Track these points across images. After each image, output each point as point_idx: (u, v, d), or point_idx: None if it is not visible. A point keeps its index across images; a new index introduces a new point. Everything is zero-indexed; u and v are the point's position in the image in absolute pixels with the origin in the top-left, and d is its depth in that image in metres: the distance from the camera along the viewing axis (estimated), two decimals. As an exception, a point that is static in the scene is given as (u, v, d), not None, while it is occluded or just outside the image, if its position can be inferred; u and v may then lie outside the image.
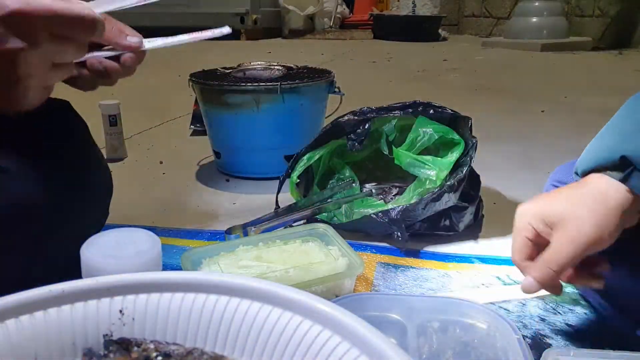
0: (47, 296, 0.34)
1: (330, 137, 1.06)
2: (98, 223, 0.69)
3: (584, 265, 0.53)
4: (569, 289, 0.75)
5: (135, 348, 0.34)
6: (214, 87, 1.22)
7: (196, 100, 1.45)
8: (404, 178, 1.11)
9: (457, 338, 0.55)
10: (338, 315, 0.32)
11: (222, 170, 1.33)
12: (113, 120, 1.43)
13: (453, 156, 0.96)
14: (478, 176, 1.03)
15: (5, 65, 0.45)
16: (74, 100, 0.70)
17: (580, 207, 0.49)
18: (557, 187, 0.64)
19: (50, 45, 0.46)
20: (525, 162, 1.40)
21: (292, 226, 0.94)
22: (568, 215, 0.49)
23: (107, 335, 0.34)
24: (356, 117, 1.03)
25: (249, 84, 1.18)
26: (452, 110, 1.01)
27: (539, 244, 0.52)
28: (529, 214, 0.52)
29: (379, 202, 1.02)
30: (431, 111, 1.01)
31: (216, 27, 0.60)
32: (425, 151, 1.01)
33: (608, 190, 0.48)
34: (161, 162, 1.42)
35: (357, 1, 5.70)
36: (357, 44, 4.57)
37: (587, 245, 0.48)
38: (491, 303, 0.73)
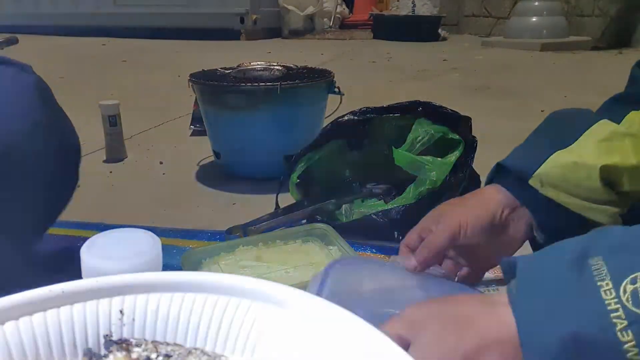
0: (47, 297, 0.34)
1: (330, 137, 1.06)
2: (69, 187, 0.67)
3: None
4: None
5: (135, 348, 0.33)
6: (213, 87, 1.22)
7: (196, 100, 1.45)
8: (404, 178, 1.10)
9: None
10: (339, 315, 0.32)
11: (222, 170, 1.33)
12: (113, 121, 1.43)
13: (453, 156, 0.96)
14: (478, 176, 1.03)
15: None
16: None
17: (459, 207, 0.60)
18: None
19: None
20: (525, 161, 1.40)
21: (292, 226, 0.94)
22: (447, 212, 0.60)
23: (107, 335, 0.34)
24: (356, 117, 1.03)
25: (248, 84, 1.18)
26: (452, 110, 1.01)
27: None
28: (429, 214, 0.62)
29: (379, 202, 1.02)
30: (431, 111, 1.01)
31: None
32: (425, 151, 1.01)
33: (486, 192, 0.60)
34: (161, 162, 1.42)
35: (357, 1, 5.69)
36: (357, 44, 4.56)
37: (455, 234, 0.57)
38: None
